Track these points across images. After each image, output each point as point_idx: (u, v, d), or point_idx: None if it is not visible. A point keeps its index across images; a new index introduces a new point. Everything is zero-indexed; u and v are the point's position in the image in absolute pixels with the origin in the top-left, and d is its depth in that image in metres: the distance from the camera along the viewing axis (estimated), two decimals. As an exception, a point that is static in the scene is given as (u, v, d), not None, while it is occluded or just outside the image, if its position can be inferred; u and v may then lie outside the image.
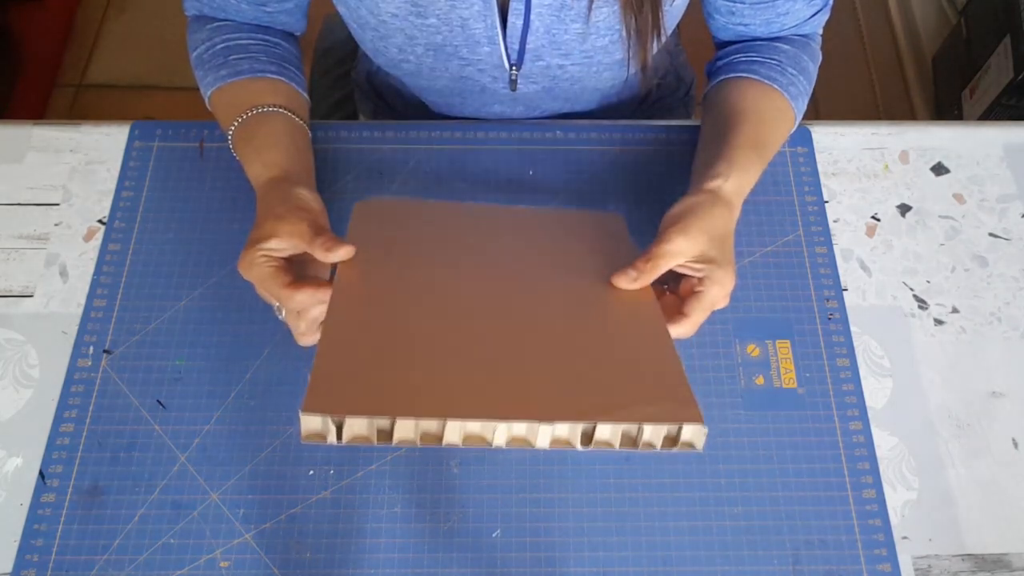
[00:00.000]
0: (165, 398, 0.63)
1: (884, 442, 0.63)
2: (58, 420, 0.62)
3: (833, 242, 0.70)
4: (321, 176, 0.69)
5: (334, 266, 0.55)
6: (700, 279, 0.56)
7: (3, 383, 0.64)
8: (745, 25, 0.68)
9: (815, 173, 0.73)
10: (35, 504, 0.59)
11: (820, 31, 0.72)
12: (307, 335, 0.56)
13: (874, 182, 0.74)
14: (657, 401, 0.45)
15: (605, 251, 0.61)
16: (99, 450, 0.61)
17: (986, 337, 0.67)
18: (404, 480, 0.60)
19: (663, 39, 0.65)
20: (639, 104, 0.85)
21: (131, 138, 0.74)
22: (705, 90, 0.73)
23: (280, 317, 0.57)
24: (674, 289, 0.59)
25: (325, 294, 0.52)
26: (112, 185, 0.72)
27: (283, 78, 0.67)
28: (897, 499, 0.61)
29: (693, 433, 0.44)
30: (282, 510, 0.59)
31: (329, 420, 0.41)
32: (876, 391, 0.65)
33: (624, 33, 0.63)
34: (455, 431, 0.42)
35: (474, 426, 0.42)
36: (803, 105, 0.69)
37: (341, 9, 0.66)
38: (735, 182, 0.60)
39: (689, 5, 0.67)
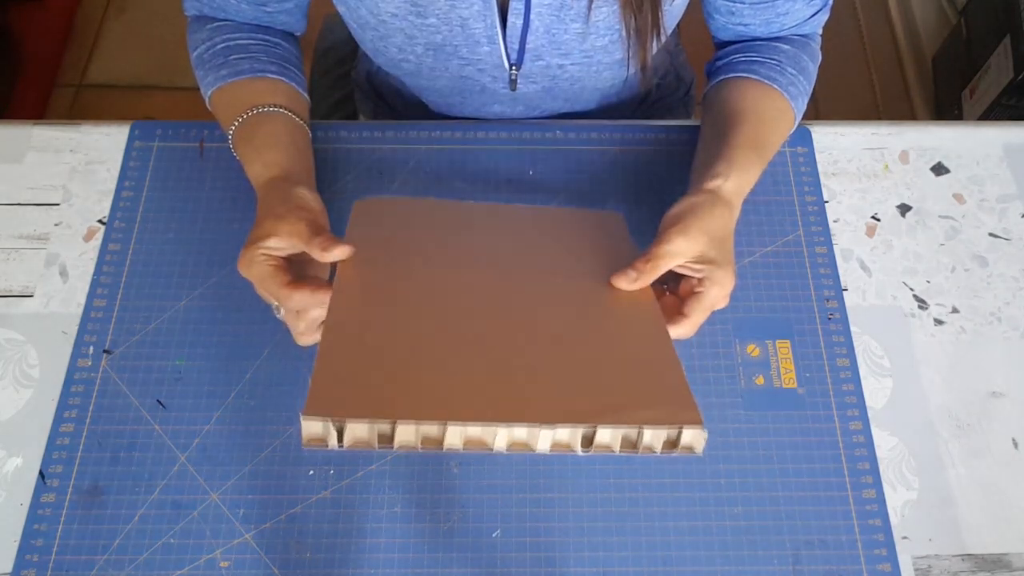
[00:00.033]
0: (165, 398, 0.63)
1: (884, 442, 0.63)
2: (58, 420, 0.62)
3: (833, 242, 0.70)
4: (321, 176, 0.69)
5: (334, 266, 0.55)
6: (700, 280, 0.56)
7: (3, 383, 0.64)
8: (745, 25, 0.68)
9: (815, 173, 0.73)
10: (35, 504, 0.59)
11: (820, 31, 0.72)
12: (306, 335, 0.56)
13: (874, 182, 0.74)
14: (657, 404, 0.45)
15: (605, 250, 0.61)
16: (99, 450, 0.61)
17: (986, 337, 0.67)
18: (404, 480, 0.60)
19: (663, 39, 0.65)
20: (639, 104, 0.85)
21: (131, 138, 0.74)
22: (705, 90, 0.73)
23: (278, 316, 0.57)
24: (674, 289, 0.59)
25: (324, 295, 0.52)
26: (112, 185, 0.72)
27: (283, 78, 0.67)
28: (897, 499, 0.61)
29: (693, 437, 0.44)
30: (282, 510, 0.59)
31: (330, 424, 0.41)
32: (876, 391, 0.65)
33: (624, 33, 0.63)
34: (456, 435, 0.42)
35: (475, 430, 0.42)
36: (803, 105, 0.69)
37: (341, 9, 0.66)
38: (735, 182, 0.60)
39: (689, 5, 0.67)
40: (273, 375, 0.63)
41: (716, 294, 0.56)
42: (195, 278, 0.67)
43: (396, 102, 0.86)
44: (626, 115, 0.81)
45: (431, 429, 0.42)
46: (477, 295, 0.54)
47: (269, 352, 0.64)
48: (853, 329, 0.66)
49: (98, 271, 0.68)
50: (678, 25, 0.74)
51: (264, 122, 0.63)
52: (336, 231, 0.56)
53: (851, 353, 0.65)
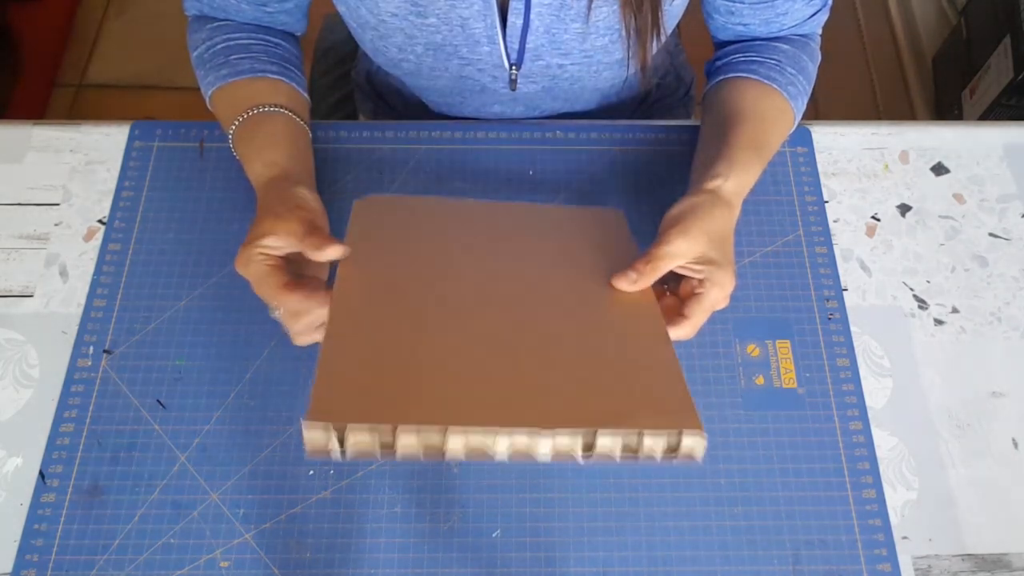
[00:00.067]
0: (165, 398, 0.63)
1: (884, 442, 0.63)
2: (58, 420, 0.62)
3: (833, 242, 0.70)
4: (321, 176, 0.69)
5: (334, 266, 0.54)
6: (700, 280, 0.56)
7: (3, 383, 0.64)
8: (744, 25, 0.68)
9: (815, 173, 0.73)
10: (35, 504, 0.59)
11: (819, 31, 0.72)
12: (302, 335, 0.55)
13: (874, 182, 0.74)
14: (657, 409, 0.45)
15: (606, 247, 0.61)
16: (99, 450, 0.61)
17: (986, 337, 0.67)
18: (404, 480, 0.60)
19: (663, 39, 0.65)
20: (639, 104, 0.85)
21: (131, 138, 0.74)
22: (704, 90, 0.73)
23: (273, 316, 0.57)
24: (674, 289, 0.59)
25: (320, 298, 0.52)
26: (112, 185, 0.72)
27: (284, 78, 0.67)
28: (897, 499, 0.61)
29: (693, 443, 0.44)
30: (282, 510, 0.59)
31: (332, 432, 0.41)
32: (876, 391, 0.65)
33: (624, 33, 0.63)
34: (458, 443, 0.42)
35: (476, 438, 0.42)
36: (802, 105, 0.69)
37: (341, 9, 0.66)
38: (735, 182, 0.60)
39: (689, 5, 0.67)
40: (273, 375, 0.63)
41: (716, 295, 0.56)
42: (195, 278, 0.67)
43: (396, 102, 0.86)
44: (626, 115, 0.81)
45: (433, 437, 0.42)
46: (478, 294, 0.54)
47: (269, 352, 0.64)
48: (853, 329, 0.66)
49: (98, 271, 0.68)
50: (678, 25, 0.74)
51: (264, 122, 0.63)
52: (336, 231, 0.56)
53: (851, 353, 0.65)
